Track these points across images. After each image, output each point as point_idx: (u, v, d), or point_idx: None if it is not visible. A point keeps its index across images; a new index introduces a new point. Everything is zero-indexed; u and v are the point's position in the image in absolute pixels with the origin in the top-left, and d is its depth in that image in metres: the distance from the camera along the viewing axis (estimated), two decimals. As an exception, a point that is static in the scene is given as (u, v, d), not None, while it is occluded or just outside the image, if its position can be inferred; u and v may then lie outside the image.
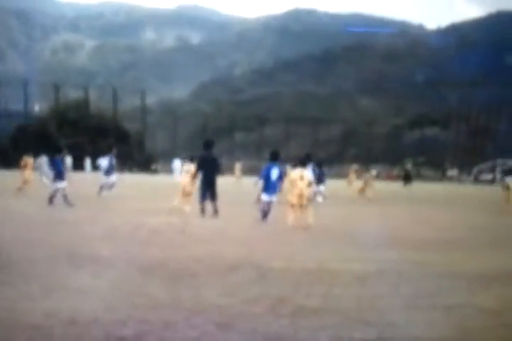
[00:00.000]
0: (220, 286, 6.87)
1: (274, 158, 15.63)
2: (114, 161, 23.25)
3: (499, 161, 69.69)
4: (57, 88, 71.56)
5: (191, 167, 17.02)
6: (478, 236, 13.58)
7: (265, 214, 15.01)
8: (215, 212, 15.60)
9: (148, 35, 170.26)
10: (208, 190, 15.83)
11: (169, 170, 62.57)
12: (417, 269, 8.50)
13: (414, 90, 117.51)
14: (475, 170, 73.63)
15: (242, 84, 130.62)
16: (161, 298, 6.23)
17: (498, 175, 67.05)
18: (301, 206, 13.73)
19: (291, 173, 14.98)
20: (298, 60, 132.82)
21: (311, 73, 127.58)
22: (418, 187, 44.31)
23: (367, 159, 72.02)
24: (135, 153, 69.75)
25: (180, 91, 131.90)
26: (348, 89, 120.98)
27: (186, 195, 17.34)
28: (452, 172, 73.29)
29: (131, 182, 35.61)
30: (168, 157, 74.40)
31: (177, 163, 39.24)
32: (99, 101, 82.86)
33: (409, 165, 52.44)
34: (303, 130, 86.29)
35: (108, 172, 23.21)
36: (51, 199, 17.83)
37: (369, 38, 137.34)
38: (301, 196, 13.71)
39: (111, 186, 23.17)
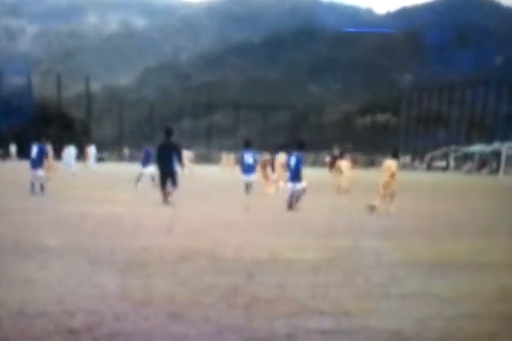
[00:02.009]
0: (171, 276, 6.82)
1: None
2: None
3: (452, 148, 70.44)
4: (-1, 75, 70.19)
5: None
6: (435, 223, 13.68)
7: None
8: (169, 195, 15.72)
9: (92, 20, 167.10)
10: (169, 177, 15.79)
11: (114, 159, 61.98)
12: (372, 257, 8.52)
13: (365, 76, 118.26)
14: (428, 157, 73.99)
15: (188, 69, 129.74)
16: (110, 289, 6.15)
17: (452, 162, 68.10)
18: (386, 195, 15.33)
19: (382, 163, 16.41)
20: (245, 45, 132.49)
21: (259, 58, 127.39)
22: (369, 174, 44.59)
23: (318, 146, 72.18)
24: (81, 141, 68.70)
25: (125, 78, 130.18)
26: (298, 75, 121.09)
27: None
28: (405, 159, 73.43)
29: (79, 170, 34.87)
30: (114, 144, 73.76)
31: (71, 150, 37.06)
32: (42, 88, 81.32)
33: (336, 151, 52.46)
34: (252, 116, 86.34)
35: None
36: None
37: (317, 23, 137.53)
38: (387, 186, 15.26)
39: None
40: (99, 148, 71.41)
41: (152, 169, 20.83)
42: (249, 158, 19.41)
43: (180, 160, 16.17)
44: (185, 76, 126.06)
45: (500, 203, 21.05)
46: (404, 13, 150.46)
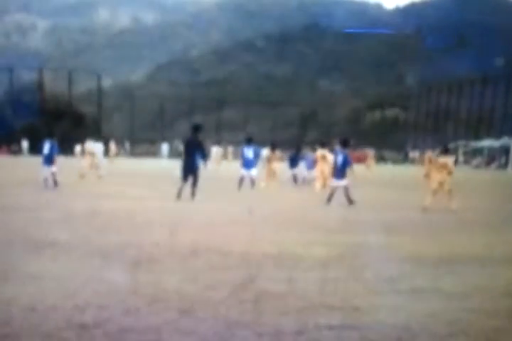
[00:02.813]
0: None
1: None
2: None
3: (461, 143, 69.98)
4: (10, 71, 70.32)
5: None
6: (445, 219, 13.61)
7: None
8: (193, 194, 15.87)
9: (102, 15, 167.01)
10: (191, 173, 16.02)
11: (123, 154, 62.12)
12: (381, 253, 8.52)
13: (374, 71, 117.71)
14: (437, 151, 73.26)
15: (199, 65, 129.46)
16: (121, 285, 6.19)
17: (461, 157, 67.64)
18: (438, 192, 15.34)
19: (437, 160, 16.10)
20: (254, 41, 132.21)
21: (269, 53, 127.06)
22: (381, 169, 44.67)
23: (327, 142, 71.95)
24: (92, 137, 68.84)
25: (136, 74, 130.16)
26: (307, 70, 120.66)
27: None
28: (414, 154, 72.79)
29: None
30: (126, 140, 73.77)
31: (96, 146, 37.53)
32: (53, 84, 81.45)
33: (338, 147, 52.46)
34: (262, 112, 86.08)
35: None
36: None
37: (326, 18, 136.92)
38: (442, 183, 15.27)
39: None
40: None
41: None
42: (249, 152, 20.77)
43: (203, 156, 16.32)
44: (196, 71, 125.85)
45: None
46: (413, 9, 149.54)
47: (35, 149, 49.77)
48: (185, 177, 16.05)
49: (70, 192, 18.04)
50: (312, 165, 23.23)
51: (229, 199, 17.03)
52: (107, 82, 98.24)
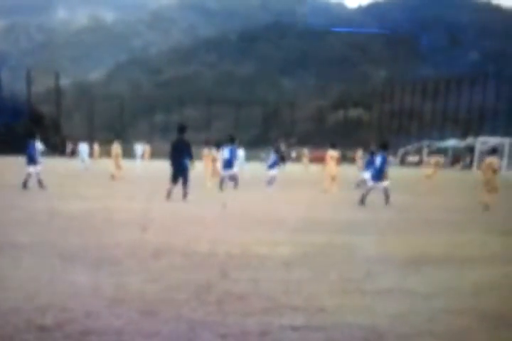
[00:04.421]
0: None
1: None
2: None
3: (425, 142, 70.45)
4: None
5: None
6: (408, 218, 13.73)
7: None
8: (185, 195, 16.03)
9: (60, 14, 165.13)
10: (180, 174, 16.10)
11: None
12: (345, 253, 8.49)
13: (338, 70, 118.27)
14: (401, 151, 73.85)
15: (159, 64, 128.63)
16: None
17: (425, 157, 68.23)
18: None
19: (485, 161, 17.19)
20: (216, 39, 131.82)
21: (230, 52, 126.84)
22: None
23: (290, 141, 71.96)
24: (51, 136, 68.07)
25: (95, 72, 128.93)
26: (270, 69, 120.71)
27: None
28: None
29: (52, 166, 34.70)
30: (85, 140, 73.01)
31: (84, 147, 38.83)
32: (12, 83, 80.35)
33: (282, 146, 52.14)
34: (225, 111, 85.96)
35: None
36: None
37: (288, 17, 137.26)
38: (489, 182, 16.35)
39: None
40: (70, 144, 70.93)
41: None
42: (226, 153, 20.74)
43: (191, 157, 16.33)
44: (157, 70, 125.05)
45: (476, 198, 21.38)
46: (376, 8, 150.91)
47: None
48: (175, 178, 16.13)
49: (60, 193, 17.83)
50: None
51: (217, 199, 16.98)
52: (65, 81, 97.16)
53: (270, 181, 23.08)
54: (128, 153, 45.02)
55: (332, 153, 21.89)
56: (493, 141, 59.27)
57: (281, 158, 46.70)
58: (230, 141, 21.43)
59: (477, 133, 64.90)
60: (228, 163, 20.77)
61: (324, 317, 5.23)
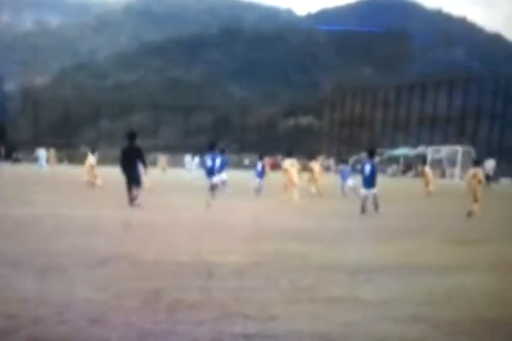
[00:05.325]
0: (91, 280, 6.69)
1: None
2: None
3: (376, 151, 70.64)
4: None
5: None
6: (360, 226, 13.84)
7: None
8: (135, 199, 15.90)
9: (4, 18, 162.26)
10: (134, 181, 15.96)
11: (32, 160, 60.52)
12: (296, 261, 8.46)
13: (286, 77, 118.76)
14: (352, 160, 74.06)
15: (105, 69, 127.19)
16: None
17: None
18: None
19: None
20: (163, 45, 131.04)
21: (178, 58, 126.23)
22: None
23: (240, 149, 71.89)
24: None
25: (40, 77, 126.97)
26: (218, 76, 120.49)
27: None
28: (328, 162, 73.01)
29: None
30: (30, 145, 71.79)
31: (42, 152, 39.33)
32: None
33: None
34: (172, 118, 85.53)
35: None
36: None
37: (237, 23, 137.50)
38: (475, 191, 17.04)
39: None
40: (16, 149, 69.73)
41: None
42: (209, 160, 20.48)
43: (144, 163, 16.08)
44: (102, 75, 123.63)
45: (430, 206, 21.81)
46: (325, 14, 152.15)
47: None
48: (129, 186, 15.98)
49: None
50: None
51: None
52: (9, 86, 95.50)
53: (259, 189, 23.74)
54: (75, 159, 44.58)
55: (291, 162, 22.08)
56: (445, 149, 60.34)
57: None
58: (210, 148, 21.18)
59: (429, 142, 65.91)
60: (211, 171, 20.53)
61: (276, 325, 5.22)
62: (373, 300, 6.24)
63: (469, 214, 16.66)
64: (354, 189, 23.54)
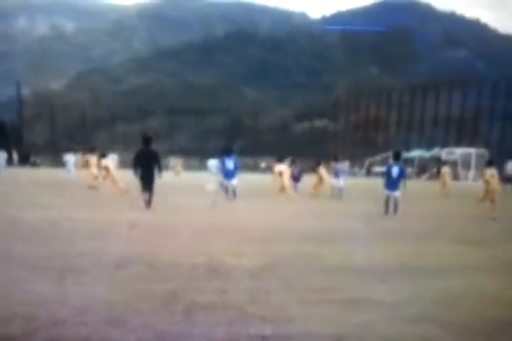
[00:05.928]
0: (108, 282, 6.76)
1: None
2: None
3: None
4: None
5: None
6: (373, 228, 13.76)
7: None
8: (149, 203, 16.14)
9: (21, 23, 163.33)
10: (148, 184, 16.16)
11: (49, 164, 60.88)
12: (310, 262, 8.45)
13: (299, 79, 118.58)
14: (367, 162, 73.67)
15: (120, 73, 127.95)
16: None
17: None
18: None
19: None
20: (178, 48, 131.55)
21: (192, 62, 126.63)
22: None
23: (255, 151, 71.64)
24: (13, 147, 67.26)
25: (56, 82, 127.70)
26: (232, 78, 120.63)
27: None
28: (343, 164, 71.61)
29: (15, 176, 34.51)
30: (47, 149, 72.25)
31: (70, 157, 39.94)
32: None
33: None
34: (187, 121, 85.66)
35: None
36: None
37: (250, 26, 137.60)
38: (494, 192, 17.12)
39: None
40: (32, 154, 70.13)
41: None
42: (230, 163, 20.98)
43: (159, 167, 16.31)
44: (117, 80, 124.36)
45: (448, 207, 21.72)
46: (339, 17, 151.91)
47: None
48: (145, 188, 16.17)
49: None
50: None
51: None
52: (25, 91, 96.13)
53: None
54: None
55: (281, 168, 22.76)
56: (459, 151, 59.92)
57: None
58: (228, 151, 21.76)
59: (443, 144, 65.54)
60: (231, 174, 21.03)
61: (291, 327, 5.24)
62: (387, 302, 6.24)
63: (494, 218, 16.53)
64: (340, 189, 24.65)
